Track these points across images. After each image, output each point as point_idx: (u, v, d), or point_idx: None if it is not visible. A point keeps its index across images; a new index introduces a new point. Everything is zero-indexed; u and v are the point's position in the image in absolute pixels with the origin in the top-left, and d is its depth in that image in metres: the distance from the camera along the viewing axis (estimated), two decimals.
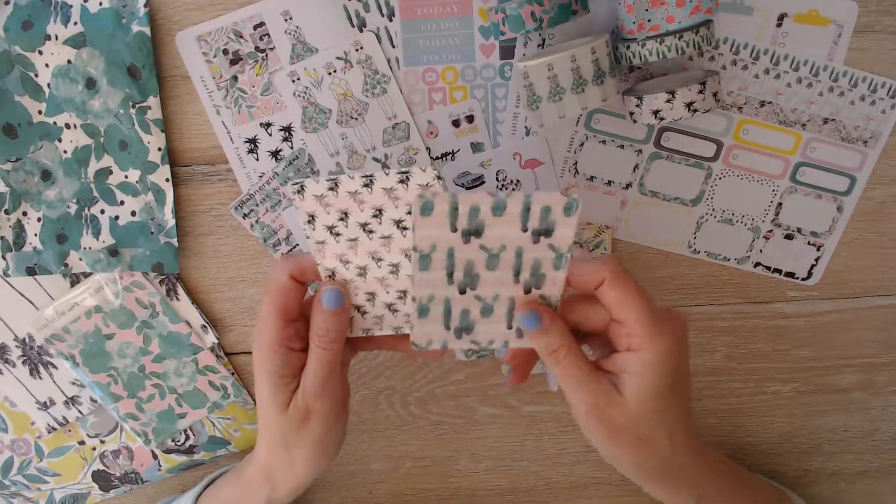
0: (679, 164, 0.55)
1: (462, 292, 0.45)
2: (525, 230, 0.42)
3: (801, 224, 0.56)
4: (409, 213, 0.42)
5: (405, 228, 0.43)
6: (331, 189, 0.42)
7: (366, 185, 0.42)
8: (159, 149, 0.53)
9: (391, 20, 0.52)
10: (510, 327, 0.46)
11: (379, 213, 0.43)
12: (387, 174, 0.41)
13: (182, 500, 0.54)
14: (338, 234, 0.44)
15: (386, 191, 0.42)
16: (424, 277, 0.44)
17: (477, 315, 0.46)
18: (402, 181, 0.41)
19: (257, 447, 0.49)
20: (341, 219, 0.43)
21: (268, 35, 0.52)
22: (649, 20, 0.46)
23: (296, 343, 0.44)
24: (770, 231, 0.56)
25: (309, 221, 0.43)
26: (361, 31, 0.52)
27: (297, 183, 0.41)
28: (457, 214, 0.41)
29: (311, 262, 0.44)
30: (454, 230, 0.42)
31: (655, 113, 0.48)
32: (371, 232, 0.44)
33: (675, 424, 0.43)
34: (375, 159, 0.55)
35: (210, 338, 0.58)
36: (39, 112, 0.53)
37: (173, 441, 0.61)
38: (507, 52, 0.53)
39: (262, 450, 0.48)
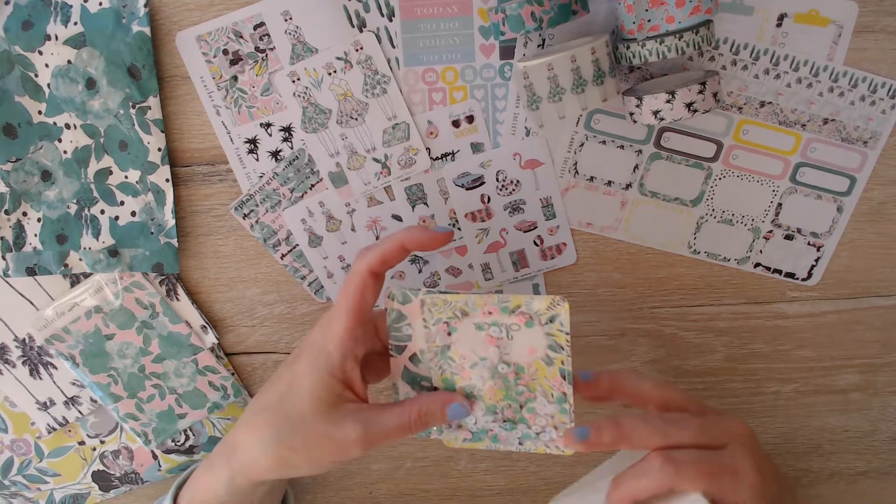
0: (679, 165, 0.55)
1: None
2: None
3: (801, 224, 0.56)
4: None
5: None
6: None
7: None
8: (159, 149, 0.53)
9: (391, 20, 0.52)
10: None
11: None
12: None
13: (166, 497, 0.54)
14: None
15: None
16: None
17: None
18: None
19: (235, 429, 0.48)
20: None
21: (268, 35, 0.52)
22: (649, 20, 0.46)
23: (359, 348, 0.46)
24: (770, 231, 0.56)
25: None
26: (361, 31, 0.52)
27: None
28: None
29: (392, 251, 0.45)
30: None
31: (655, 113, 0.48)
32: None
33: None
34: (375, 160, 0.55)
35: (210, 338, 0.58)
36: (39, 112, 0.53)
37: (173, 441, 0.61)
38: (507, 52, 0.53)
39: (240, 429, 0.47)
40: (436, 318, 0.46)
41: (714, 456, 0.43)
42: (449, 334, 0.47)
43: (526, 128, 0.54)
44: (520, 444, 0.49)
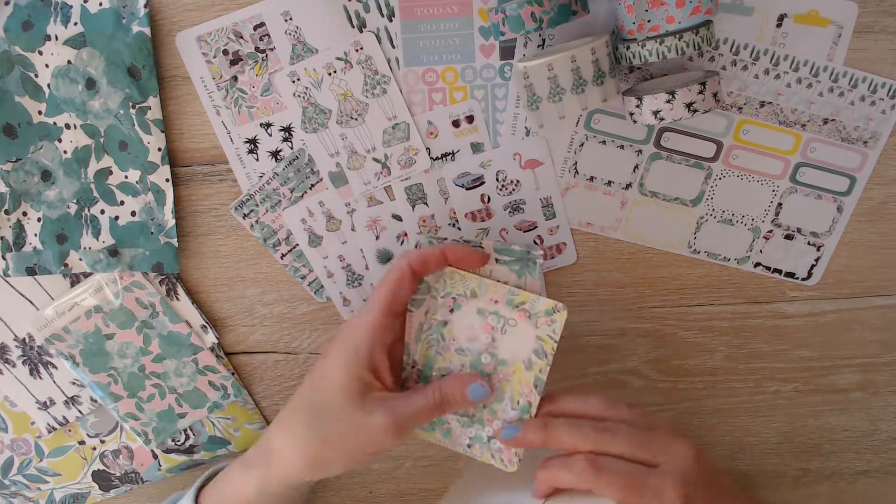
0: (679, 165, 0.55)
1: None
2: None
3: (801, 224, 0.56)
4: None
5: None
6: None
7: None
8: (159, 149, 0.53)
9: (391, 20, 0.52)
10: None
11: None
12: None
13: (186, 494, 0.54)
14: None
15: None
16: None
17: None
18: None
19: (269, 430, 0.49)
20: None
21: (268, 35, 0.52)
22: (649, 21, 0.46)
23: (388, 337, 0.47)
24: (770, 231, 0.57)
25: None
26: (361, 31, 0.52)
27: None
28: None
29: (433, 255, 0.47)
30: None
31: (655, 113, 0.48)
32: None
33: None
34: (375, 160, 0.55)
35: (210, 338, 0.58)
36: (39, 112, 0.53)
37: (173, 441, 0.61)
38: (507, 52, 0.53)
39: (275, 429, 0.48)
40: (447, 291, 0.48)
41: (640, 472, 0.43)
42: (451, 311, 0.48)
43: (526, 128, 0.54)
44: (469, 446, 0.49)
